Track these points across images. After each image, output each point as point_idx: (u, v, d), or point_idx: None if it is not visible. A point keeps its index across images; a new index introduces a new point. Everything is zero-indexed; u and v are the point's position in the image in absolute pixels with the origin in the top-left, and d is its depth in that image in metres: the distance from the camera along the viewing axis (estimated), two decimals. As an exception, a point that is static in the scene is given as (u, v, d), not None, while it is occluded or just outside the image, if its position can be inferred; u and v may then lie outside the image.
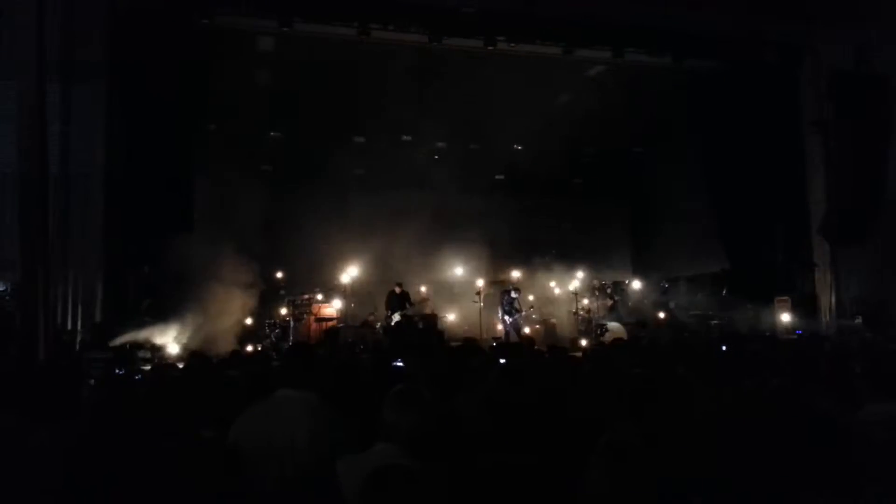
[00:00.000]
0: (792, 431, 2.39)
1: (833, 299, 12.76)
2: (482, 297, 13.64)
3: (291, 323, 12.59)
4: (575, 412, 3.75)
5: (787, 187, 13.63)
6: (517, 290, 13.73)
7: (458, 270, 15.21)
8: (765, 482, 2.19)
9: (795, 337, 10.88)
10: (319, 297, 13.30)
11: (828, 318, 12.69)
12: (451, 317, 14.27)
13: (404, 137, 15.54)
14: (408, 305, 13.25)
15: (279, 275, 13.67)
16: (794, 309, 12.48)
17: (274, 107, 13.87)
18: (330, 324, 12.67)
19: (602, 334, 12.79)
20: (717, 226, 14.64)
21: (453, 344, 9.44)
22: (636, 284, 15.02)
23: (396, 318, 12.90)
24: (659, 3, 11.77)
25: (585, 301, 14.27)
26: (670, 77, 13.65)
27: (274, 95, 13.67)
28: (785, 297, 12.74)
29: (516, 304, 13.50)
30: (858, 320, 11.83)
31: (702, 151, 14.68)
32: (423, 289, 14.54)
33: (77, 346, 9.79)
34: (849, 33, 12.37)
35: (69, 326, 10.01)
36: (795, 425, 2.45)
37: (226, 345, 10.39)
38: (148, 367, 8.43)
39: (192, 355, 6.59)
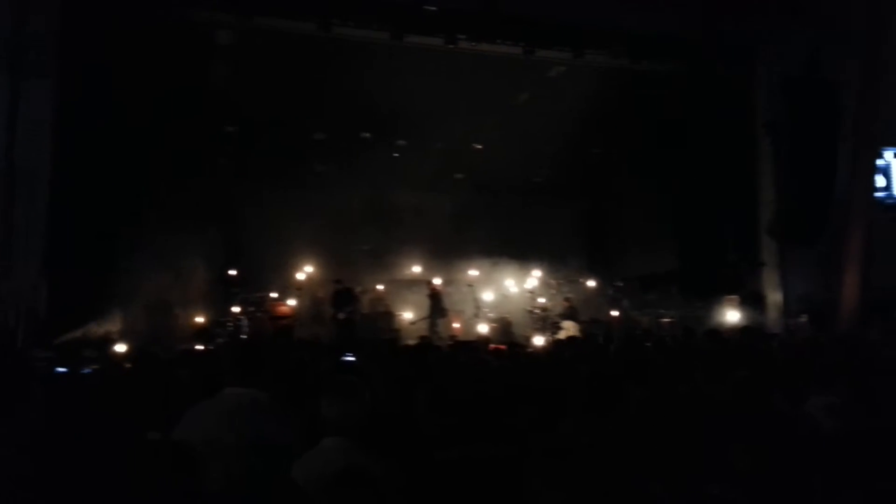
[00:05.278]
0: (751, 423, 2.45)
1: (780, 298, 13.15)
2: (437, 295, 13.67)
3: (245, 321, 12.40)
4: (529, 408, 3.77)
5: (739, 188, 13.97)
6: (437, 290, 13.75)
7: (416, 269, 15.17)
8: (722, 470, 2.22)
9: (743, 334, 11.13)
10: (274, 295, 13.13)
11: (775, 316, 13.06)
12: (407, 315, 14.23)
13: (364, 135, 15.43)
14: (351, 303, 13.17)
15: (234, 272, 13.44)
16: (742, 307, 12.81)
17: (232, 102, 13.58)
18: (285, 322, 12.53)
19: (557, 332, 12.92)
20: (671, 225, 14.93)
21: (409, 342, 9.41)
22: (591, 283, 15.22)
23: (343, 315, 12.85)
24: (616, 4, 11.94)
25: (542, 299, 14.39)
26: (628, 78, 13.86)
27: (232, 90, 13.37)
28: (734, 296, 13.08)
29: (437, 307, 13.62)
30: (804, 318, 12.20)
31: (657, 152, 14.94)
32: (379, 287, 14.47)
33: (20, 344, 9.48)
34: (801, 38, 12.74)
35: (13, 324, 9.69)
36: (755, 417, 2.51)
37: (176, 343, 10.17)
38: (94, 367, 8.19)
39: (140, 354, 6.42)
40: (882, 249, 12.59)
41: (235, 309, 12.73)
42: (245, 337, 11.83)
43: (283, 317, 12.70)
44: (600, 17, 12.15)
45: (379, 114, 13.92)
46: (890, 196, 14.67)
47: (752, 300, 13.09)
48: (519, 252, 15.28)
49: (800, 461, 2.02)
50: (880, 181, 14.02)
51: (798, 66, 12.78)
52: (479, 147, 16.25)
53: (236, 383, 3.19)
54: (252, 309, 12.69)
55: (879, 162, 13.45)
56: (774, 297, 13.29)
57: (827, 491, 1.86)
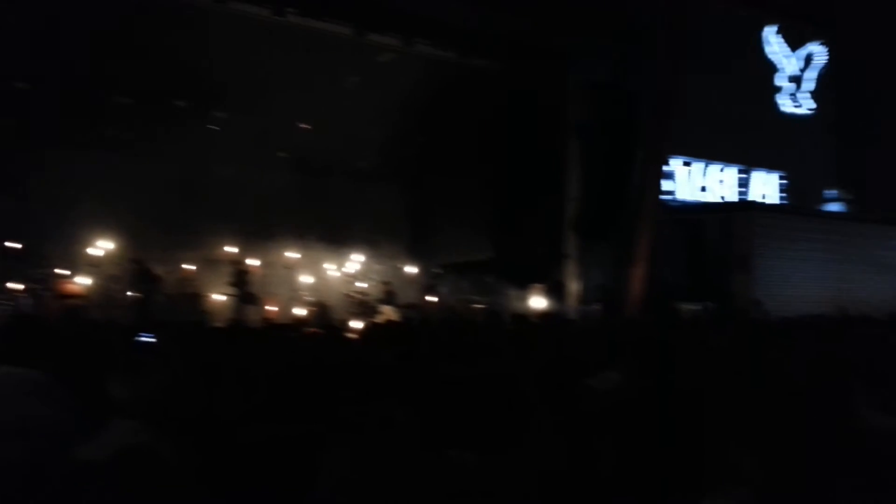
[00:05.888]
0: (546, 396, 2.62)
1: (578, 287, 14.37)
2: (244, 277, 13.21)
3: (28, 299, 11.13)
4: (339, 387, 3.76)
5: (549, 186, 14.96)
6: (244, 272, 13.44)
7: (231, 249, 14.47)
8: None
9: (545, 319, 11.98)
10: (64, 272, 11.89)
11: (574, 303, 14.23)
12: (218, 297, 13.55)
13: (178, 103, 14.36)
14: (150, 283, 12.36)
15: (15, 245, 11.96)
16: (546, 294, 13.82)
17: (21, 56, 11.91)
18: (74, 301, 11.41)
19: (375, 316, 13.01)
20: (487, 218, 15.69)
21: (218, 324, 8.97)
22: (411, 269, 15.53)
23: (141, 296, 12.02)
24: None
25: (361, 284, 14.44)
26: (454, 71, 14.23)
27: (22, 43, 11.69)
28: (539, 285, 14.08)
29: (243, 290, 13.26)
30: (597, 306, 13.42)
31: (477, 145, 15.54)
32: (187, 266, 13.62)
33: None
34: (609, 49, 13.90)
35: None
36: (550, 392, 2.70)
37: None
38: None
39: None
40: (665, 246, 14.17)
41: (16, 286, 11.36)
42: (24, 315, 10.59)
43: (73, 296, 11.54)
44: (431, 9, 12.39)
45: (196, 82, 13.04)
46: (674, 199, 16.58)
47: (555, 288, 14.16)
48: (339, 236, 15.17)
49: (582, 427, 2.22)
50: (667, 185, 15.76)
51: (606, 75, 13.97)
52: (305, 126, 15.84)
53: (8, 363, 2.85)
54: (36, 286, 11.40)
55: (666, 168, 15.09)
56: (574, 286, 14.48)
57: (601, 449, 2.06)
